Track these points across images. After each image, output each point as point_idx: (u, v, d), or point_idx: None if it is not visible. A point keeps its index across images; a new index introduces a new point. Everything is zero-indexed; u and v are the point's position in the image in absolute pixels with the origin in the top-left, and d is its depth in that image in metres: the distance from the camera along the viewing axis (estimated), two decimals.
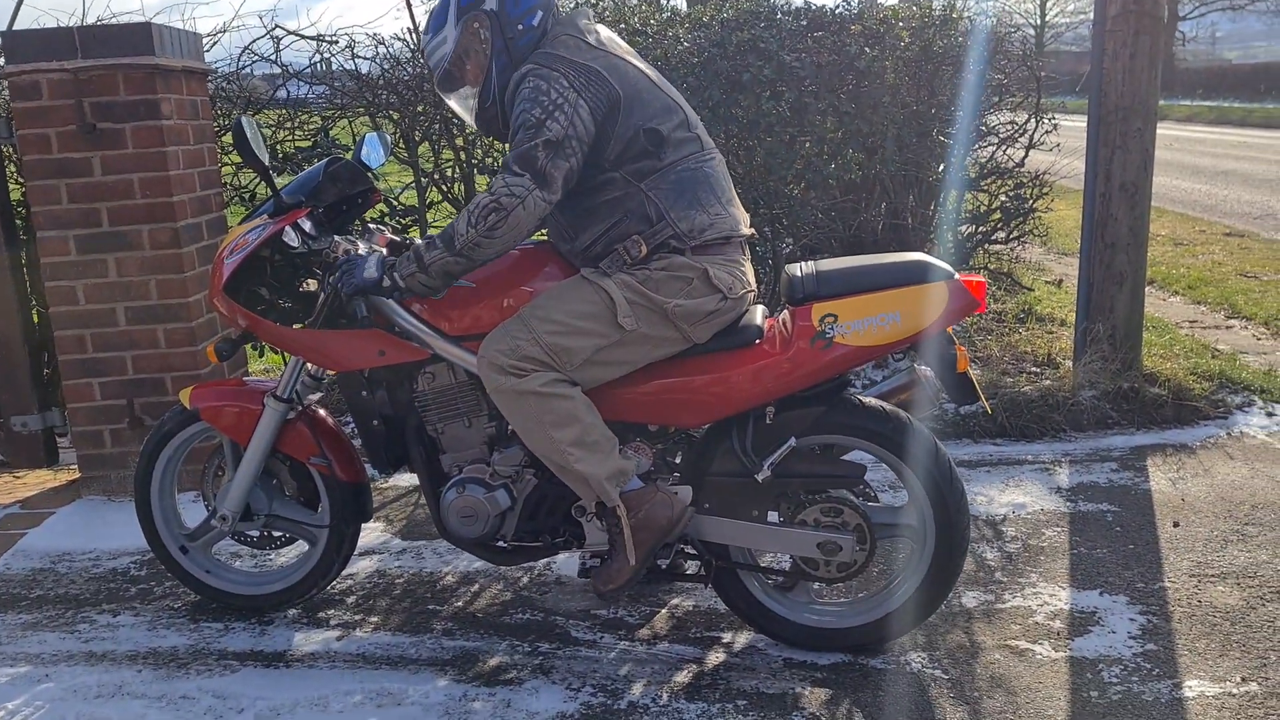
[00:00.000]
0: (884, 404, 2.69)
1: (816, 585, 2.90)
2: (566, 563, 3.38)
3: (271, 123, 5.21)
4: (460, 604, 3.15)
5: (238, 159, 5.11)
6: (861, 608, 2.83)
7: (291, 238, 2.77)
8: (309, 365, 2.94)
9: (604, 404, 2.64)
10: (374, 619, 3.08)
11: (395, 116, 5.03)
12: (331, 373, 2.98)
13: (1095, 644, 2.81)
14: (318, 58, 5.05)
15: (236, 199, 5.07)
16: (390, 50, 5.12)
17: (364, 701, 2.66)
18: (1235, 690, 2.57)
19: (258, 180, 5.11)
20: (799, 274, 2.66)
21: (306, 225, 2.80)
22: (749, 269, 2.72)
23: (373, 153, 2.99)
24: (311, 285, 2.89)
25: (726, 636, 2.91)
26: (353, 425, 4.29)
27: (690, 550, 2.83)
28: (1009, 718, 2.50)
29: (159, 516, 3.10)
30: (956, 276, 2.59)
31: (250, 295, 2.85)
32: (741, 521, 2.71)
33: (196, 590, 3.16)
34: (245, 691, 2.72)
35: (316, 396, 3.04)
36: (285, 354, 3.04)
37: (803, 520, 2.68)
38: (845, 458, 2.76)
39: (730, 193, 2.72)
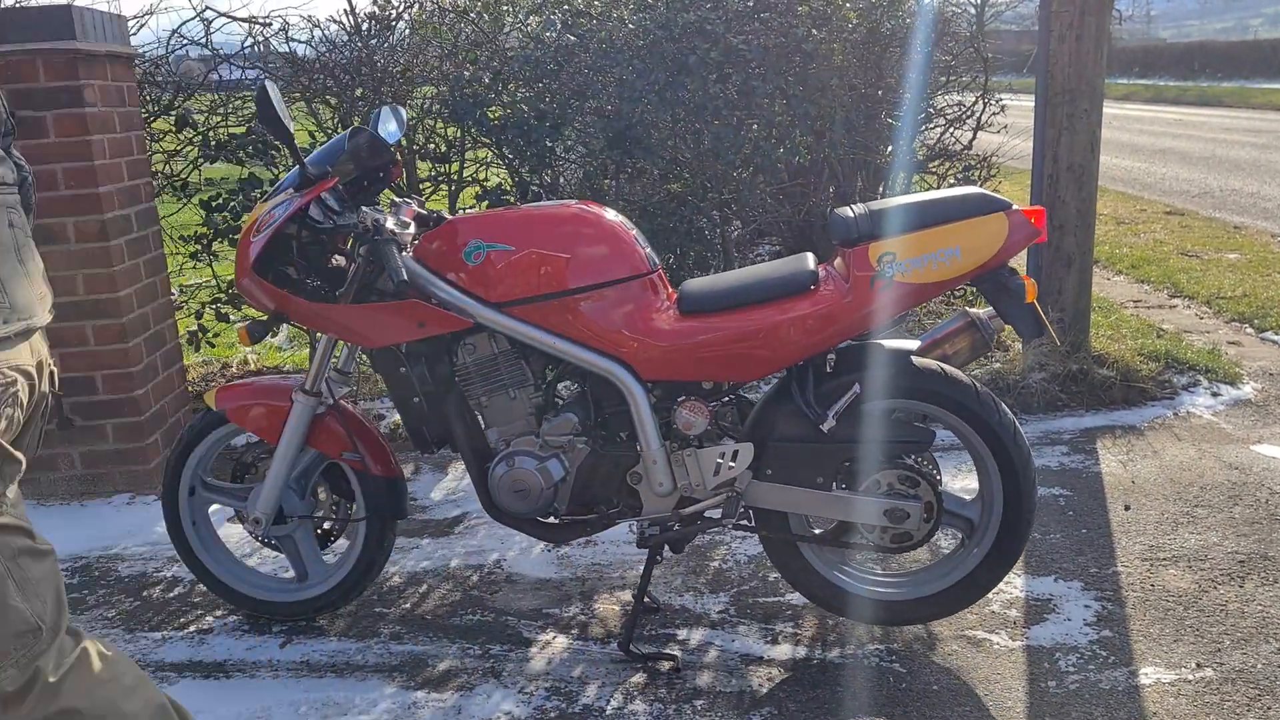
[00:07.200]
0: (957, 371, 2.62)
1: (860, 555, 2.86)
2: (517, 560, 3.31)
3: (204, 108, 5.03)
4: (408, 606, 3.07)
5: (169, 146, 4.95)
6: (926, 578, 2.79)
7: (317, 212, 2.64)
8: (335, 358, 2.83)
9: (656, 362, 2.58)
10: (318, 624, 2.98)
11: (333, 102, 4.88)
12: (360, 356, 2.86)
13: (1051, 632, 2.79)
14: (250, 41, 4.88)
15: (168, 188, 4.88)
16: (326, 33, 4.97)
17: (308, 712, 2.56)
18: (1191, 676, 2.57)
19: (189, 169, 4.95)
20: (851, 215, 2.55)
21: (331, 201, 2.65)
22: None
23: (387, 126, 2.85)
24: (339, 262, 2.76)
25: (682, 634, 2.85)
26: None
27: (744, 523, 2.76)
28: (967, 711, 2.48)
29: (189, 528, 2.98)
30: (1015, 206, 2.53)
31: (278, 275, 2.71)
32: (805, 489, 2.64)
33: (230, 600, 3.02)
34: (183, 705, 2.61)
35: (345, 391, 2.92)
36: (310, 343, 2.88)
37: (874, 484, 2.63)
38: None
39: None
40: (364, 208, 2.62)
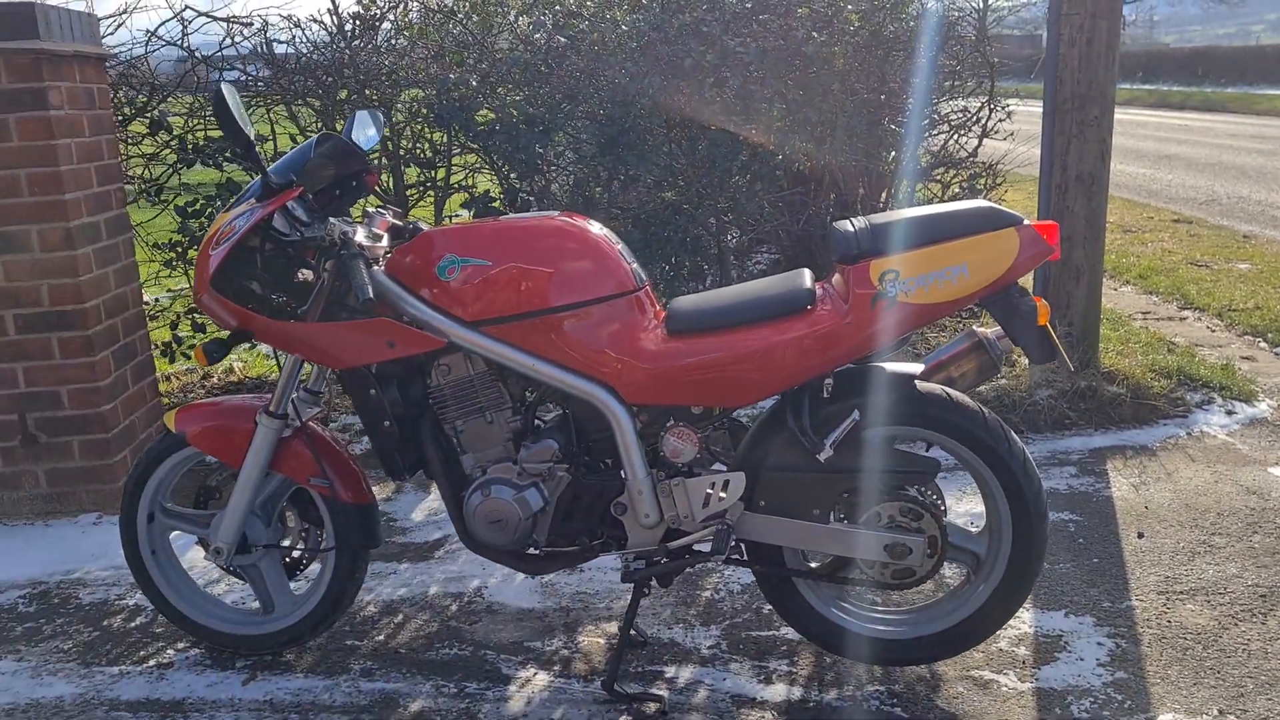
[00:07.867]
0: (964, 396, 2.47)
1: (859, 591, 2.71)
2: (498, 588, 3.15)
3: (183, 111, 4.87)
4: (381, 638, 2.90)
5: (146, 150, 4.79)
6: (929, 615, 2.64)
7: (282, 224, 2.47)
8: (303, 377, 2.67)
9: (642, 385, 2.42)
10: (284, 659, 2.81)
11: (316, 105, 4.72)
12: (332, 375, 2.70)
13: (1063, 673, 2.62)
14: (229, 41, 4.72)
15: (145, 194, 4.72)
16: (308, 34, 4.80)
17: None
18: None
19: (168, 174, 4.79)
20: (852, 229, 2.39)
21: (298, 211, 2.48)
22: None
23: (364, 131, 2.68)
24: (306, 276, 2.58)
25: (670, 670, 2.69)
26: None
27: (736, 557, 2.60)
28: None
29: (148, 556, 2.82)
30: (1026, 222, 2.37)
31: (240, 291, 2.53)
32: (800, 521, 2.48)
33: (191, 633, 2.86)
34: None
35: (314, 412, 2.73)
36: (278, 362, 2.72)
37: (874, 517, 2.47)
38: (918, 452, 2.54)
39: None
40: (333, 219, 2.45)
